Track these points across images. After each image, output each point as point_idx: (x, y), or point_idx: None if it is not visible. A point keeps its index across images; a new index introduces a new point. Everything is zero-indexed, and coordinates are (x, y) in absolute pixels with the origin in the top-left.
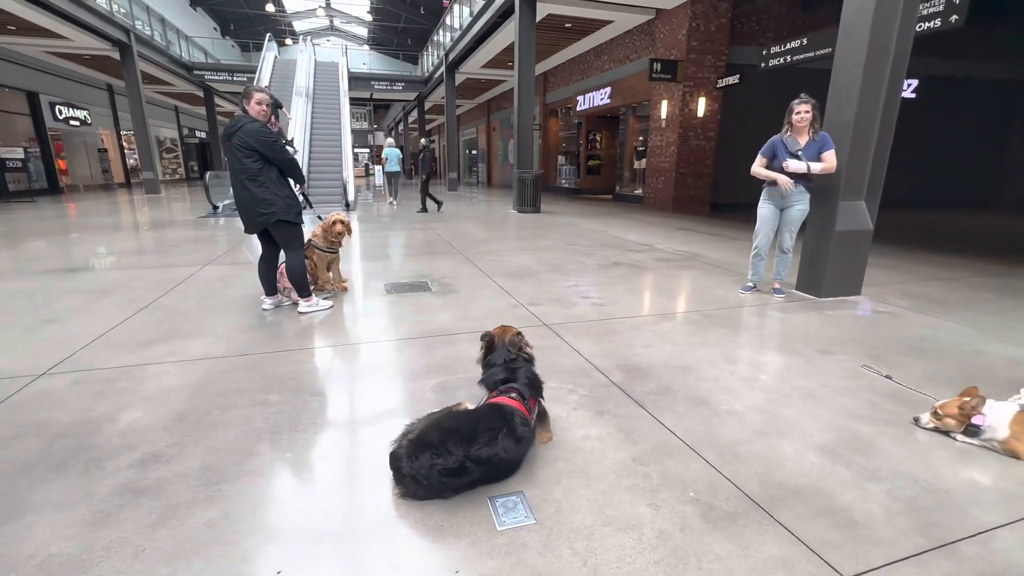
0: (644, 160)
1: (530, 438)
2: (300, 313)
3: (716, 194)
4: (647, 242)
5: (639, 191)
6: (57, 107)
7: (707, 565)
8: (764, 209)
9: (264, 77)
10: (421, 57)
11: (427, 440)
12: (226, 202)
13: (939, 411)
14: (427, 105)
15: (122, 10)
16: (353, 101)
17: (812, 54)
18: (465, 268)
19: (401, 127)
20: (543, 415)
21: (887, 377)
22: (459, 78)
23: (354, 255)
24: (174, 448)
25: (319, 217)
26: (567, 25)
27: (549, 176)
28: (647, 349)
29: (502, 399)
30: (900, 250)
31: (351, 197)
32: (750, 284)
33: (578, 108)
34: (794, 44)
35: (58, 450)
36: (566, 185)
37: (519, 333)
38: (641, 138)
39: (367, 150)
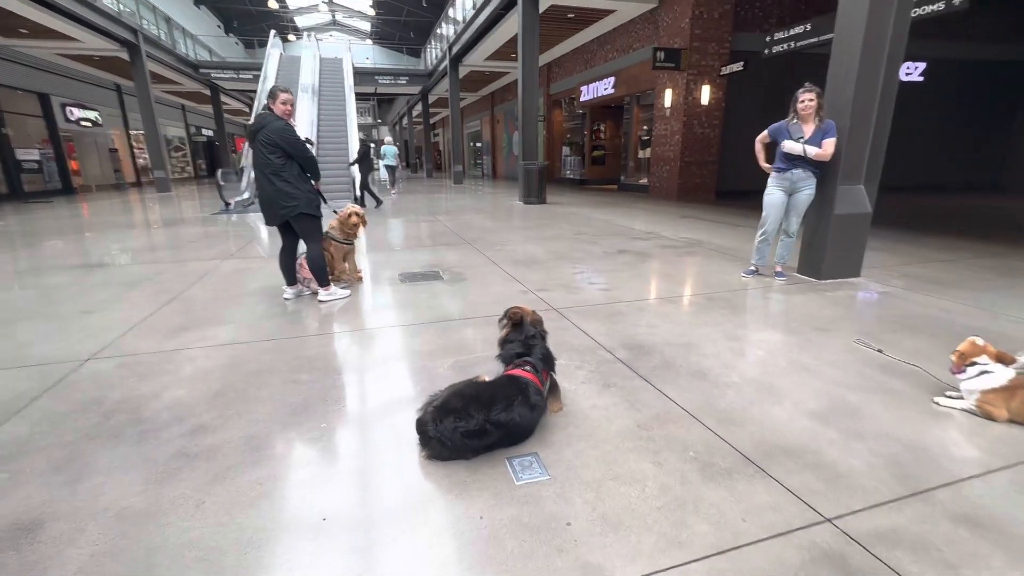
0: (649, 149)
1: (543, 406)
2: (320, 301)
3: (721, 182)
4: (652, 230)
5: (644, 180)
6: (68, 108)
7: (704, 510)
8: (773, 195)
9: (270, 74)
10: (424, 50)
11: (450, 406)
12: (237, 199)
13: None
14: (431, 99)
15: (128, 10)
16: (357, 96)
17: (816, 39)
18: (474, 257)
19: (405, 121)
20: (555, 387)
21: (879, 351)
22: (463, 71)
23: (366, 247)
24: (218, 420)
25: (334, 212)
26: (570, 15)
27: (554, 167)
28: (651, 329)
29: (517, 371)
30: (902, 233)
31: (359, 192)
32: (752, 268)
33: (582, 98)
34: (798, 30)
35: (114, 423)
36: (571, 176)
37: (535, 312)
38: (645, 127)
39: (371, 145)
